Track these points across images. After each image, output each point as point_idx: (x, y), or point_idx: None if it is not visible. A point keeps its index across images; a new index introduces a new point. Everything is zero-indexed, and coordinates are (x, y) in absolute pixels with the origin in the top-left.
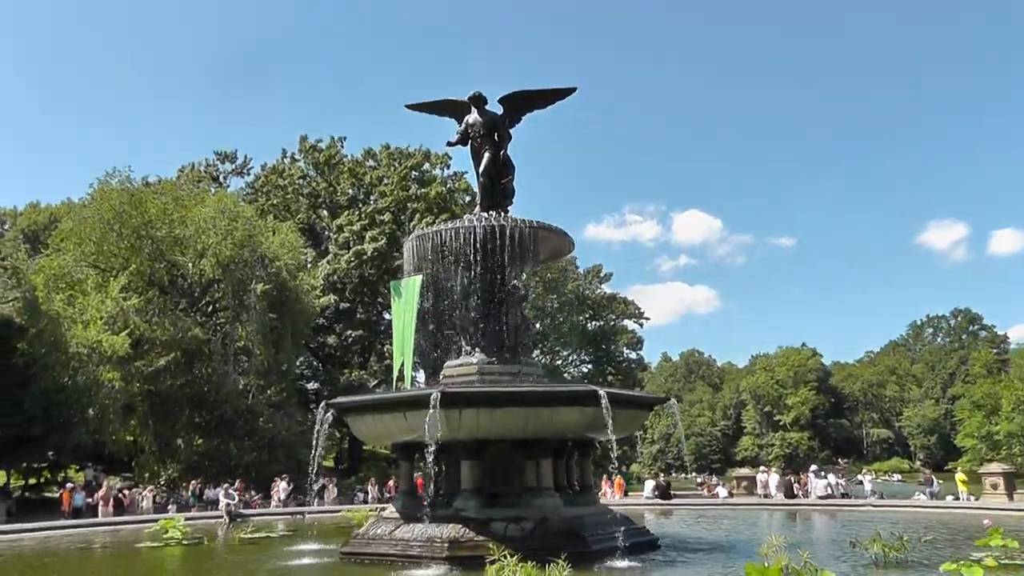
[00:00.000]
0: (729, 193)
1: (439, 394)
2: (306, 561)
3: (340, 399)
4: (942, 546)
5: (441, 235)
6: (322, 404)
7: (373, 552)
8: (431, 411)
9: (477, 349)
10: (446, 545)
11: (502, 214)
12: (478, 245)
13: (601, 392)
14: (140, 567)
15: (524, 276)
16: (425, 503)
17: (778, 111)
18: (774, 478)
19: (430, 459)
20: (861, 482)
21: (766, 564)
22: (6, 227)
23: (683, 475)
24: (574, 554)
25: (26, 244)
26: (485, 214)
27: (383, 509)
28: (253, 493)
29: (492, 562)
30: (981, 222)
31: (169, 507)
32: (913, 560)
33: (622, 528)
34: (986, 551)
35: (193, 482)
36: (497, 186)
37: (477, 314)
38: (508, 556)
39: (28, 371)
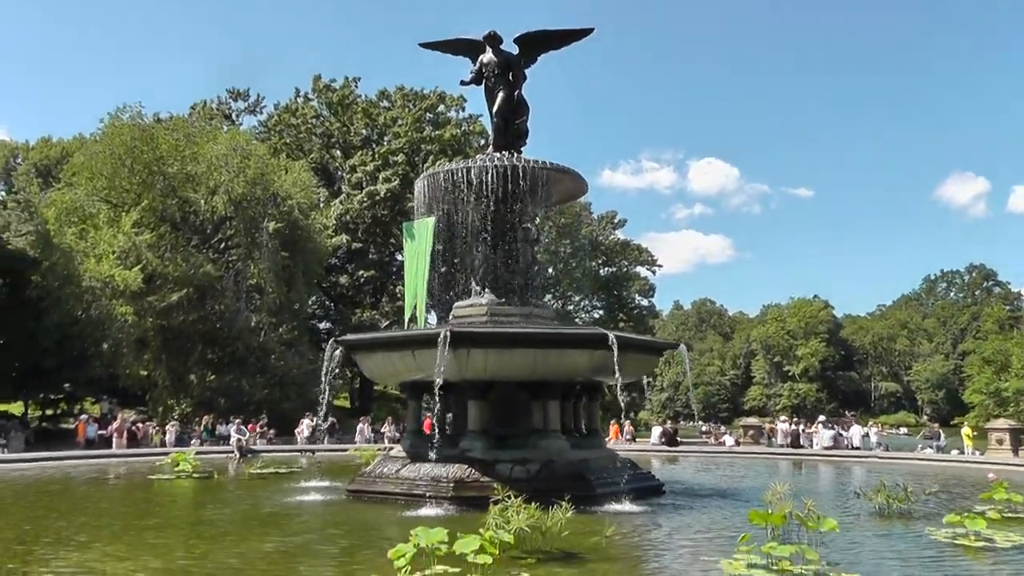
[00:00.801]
0: (747, 142)
1: (448, 333)
2: (313, 497)
3: (349, 336)
4: (946, 498)
5: (453, 174)
6: (330, 341)
7: (379, 491)
8: (440, 350)
9: (487, 290)
10: (451, 485)
11: (515, 155)
12: (491, 185)
13: (610, 335)
14: (150, 497)
15: (537, 219)
16: (432, 443)
17: (799, 59)
18: (821, 431)
19: (438, 399)
20: (867, 434)
21: (770, 511)
22: (18, 160)
23: (691, 423)
24: (578, 497)
25: (38, 178)
26: (498, 154)
27: (390, 448)
28: (267, 429)
29: (496, 502)
30: (1002, 177)
31: (192, 441)
32: (917, 511)
33: (627, 472)
34: (990, 504)
35: (205, 417)
36: (511, 126)
37: (488, 255)
38: (512, 497)
39: (41, 304)
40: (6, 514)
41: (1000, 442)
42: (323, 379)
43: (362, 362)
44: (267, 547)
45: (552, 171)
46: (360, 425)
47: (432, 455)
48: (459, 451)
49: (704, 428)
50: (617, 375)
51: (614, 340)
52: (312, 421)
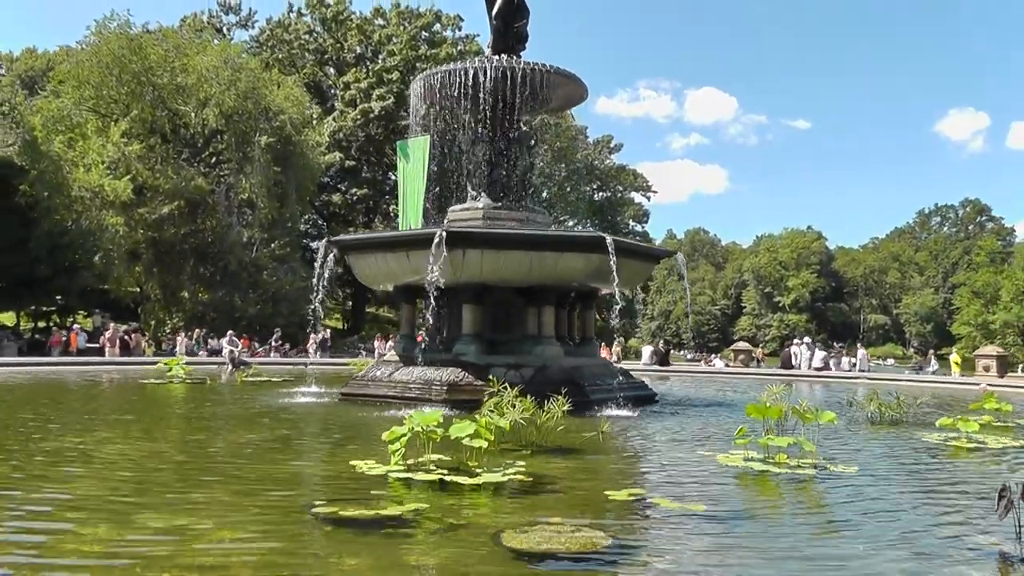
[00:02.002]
0: (747, 73)
1: (443, 233)
2: (305, 400)
3: (342, 236)
4: (937, 409)
5: (451, 75)
6: (324, 241)
7: (372, 393)
8: (434, 250)
9: (483, 193)
10: (445, 388)
11: (515, 58)
12: (489, 87)
13: (608, 238)
14: (141, 397)
15: (535, 126)
16: (425, 347)
17: None
18: (803, 352)
19: (431, 301)
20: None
21: (768, 405)
22: (2, 71)
23: (680, 352)
24: (572, 402)
25: (23, 90)
26: (497, 56)
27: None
28: (282, 343)
29: (491, 395)
30: (1003, 113)
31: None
32: (908, 419)
33: (621, 380)
34: (980, 414)
35: (197, 330)
36: (511, 29)
37: (484, 159)
38: (508, 388)
39: (31, 213)
40: None
41: (987, 368)
42: (316, 281)
43: (355, 264)
44: (254, 437)
45: (552, 74)
46: (378, 344)
47: (425, 359)
48: (453, 355)
49: (690, 356)
50: (614, 280)
51: (611, 243)
52: (321, 336)
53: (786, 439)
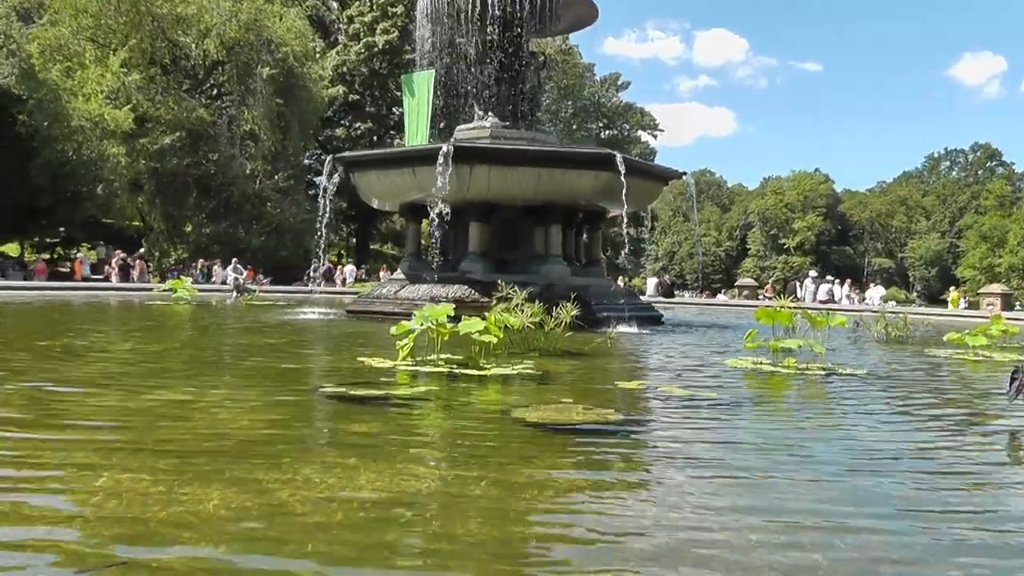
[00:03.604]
0: (757, 14)
1: (450, 148)
2: (311, 316)
3: (347, 153)
4: (945, 331)
5: None
6: (328, 158)
7: (377, 310)
8: (440, 166)
9: (491, 113)
10: (451, 304)
11: None
12: (496, 3)
13: (618, 156)
14: (147, 313)
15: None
16: (432, 265)
17: None
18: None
19: (437, 218)
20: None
21: (777, 309)
22: None
23: (684, 292)
24: (578, 319)
25: (19, 22)
26: None
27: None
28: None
29: (500, 299)
30: (1020, 56)
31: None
32: (915, 339)
33: (628, 300)
34: (987, 336)
35: (201, 261)
36: None
37: (492, 78)
38: (516, 292)
39: (31, 142)
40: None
41: (991, 306)
42: (321, 200)
43: (359, 181)
44: (260, 341)
45: None
46: (383, 275)
47: (432, 276)
48: (459, 273)
49: (689, 295)
50: (624, 200)
51: (621, 161)
52: (358, 270)
53: (796, 341)
